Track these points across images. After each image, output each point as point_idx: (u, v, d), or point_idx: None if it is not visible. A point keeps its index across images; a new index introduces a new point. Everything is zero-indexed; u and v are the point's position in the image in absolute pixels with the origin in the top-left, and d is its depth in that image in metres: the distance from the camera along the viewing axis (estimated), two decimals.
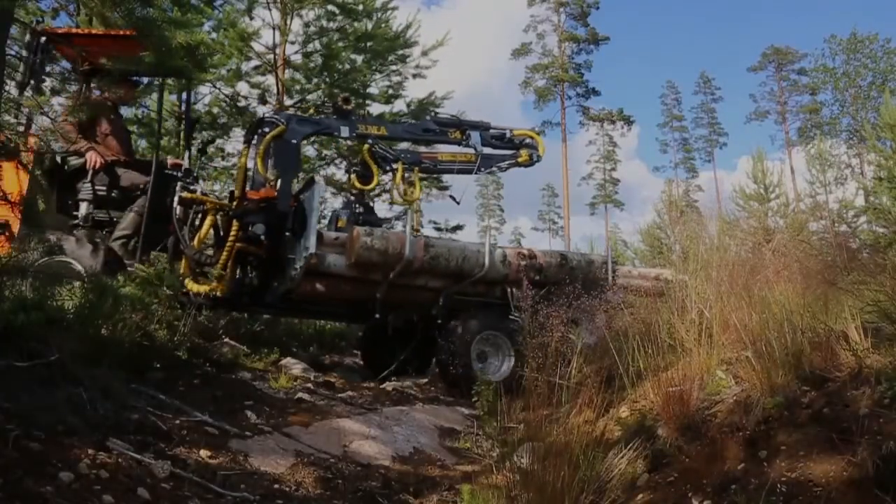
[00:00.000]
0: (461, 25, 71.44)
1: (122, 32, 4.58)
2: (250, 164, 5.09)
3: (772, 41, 52.70)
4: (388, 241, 4.81)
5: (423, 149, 6.13)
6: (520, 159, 6.07)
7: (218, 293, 4.79)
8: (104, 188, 4.82)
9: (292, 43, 8.93)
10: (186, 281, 4.73)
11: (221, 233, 4.99)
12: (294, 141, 5.11)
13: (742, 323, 2.74)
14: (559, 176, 31.96)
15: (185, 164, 5.14)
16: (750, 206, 13.98)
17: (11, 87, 4.33)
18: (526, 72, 33.42)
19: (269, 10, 8.67)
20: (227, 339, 5.05)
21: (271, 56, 8.74)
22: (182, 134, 6.08)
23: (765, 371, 2.47)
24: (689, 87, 64.30)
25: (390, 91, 9.46)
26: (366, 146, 5.56)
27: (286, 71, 8.91)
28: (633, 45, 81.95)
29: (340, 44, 8.90)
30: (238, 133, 9.06)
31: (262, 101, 8.92)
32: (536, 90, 33.05)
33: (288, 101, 8.87)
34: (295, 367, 4.93)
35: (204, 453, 2.70)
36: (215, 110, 9.09)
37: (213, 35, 8.38)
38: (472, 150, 5.85)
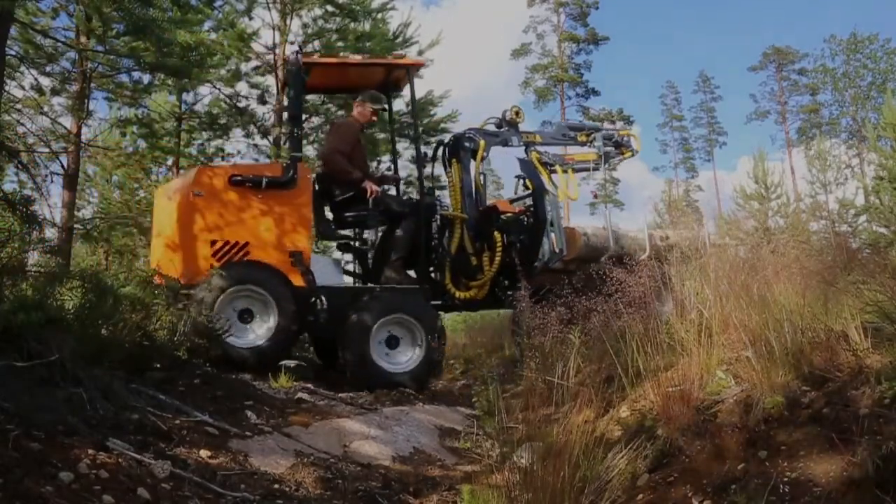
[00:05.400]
0: (460, 26, 71.34)
1: (358, 60, 5.28)
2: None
3: (772, 41, 52.85)
4: (598, 237, 5.72)
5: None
6: (625, 155, 6.87)
7: (479, 297, 5.43)
8: (379, 213, 5.13)
9: (292, 43, 8.91)
10: (450, 288, 5.38)
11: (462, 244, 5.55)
12: (526, 157, 5.97)
13: (742, 323, 2.74)
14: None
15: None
16: (750, 205, 14.00)
17: (11, 87, 4.34)
18: (526, 72, 33.39)
19: (269, 10, 8.68)
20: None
21: (271, 56, 8.74)
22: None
23: (765, 371, 2.47)
24: (688, 86, 64.49)
25: None
26: (535, 154, 6.14)
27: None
28: (633, 45, 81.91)
29: (339, 44, 8.89)
30: (237, 133, 9.07)
31: (262, 101, 8.92)
32: (536, 90, 32.98)
33: (287, 102, 8.86)
34: (295, 367, 4.93)
35: (204, 453, 2.70)
36: (215, 111, 9.08)
37: (213, 35, 8.37)
38: (594, 150, 6.54)
